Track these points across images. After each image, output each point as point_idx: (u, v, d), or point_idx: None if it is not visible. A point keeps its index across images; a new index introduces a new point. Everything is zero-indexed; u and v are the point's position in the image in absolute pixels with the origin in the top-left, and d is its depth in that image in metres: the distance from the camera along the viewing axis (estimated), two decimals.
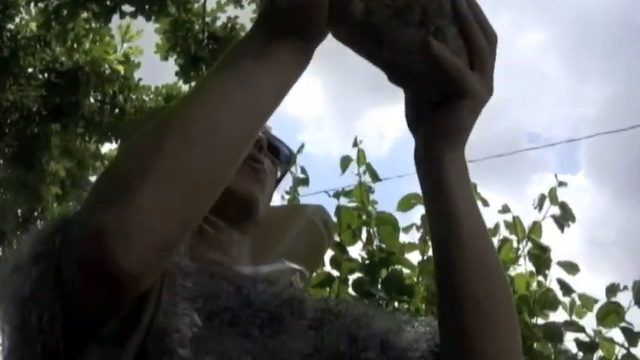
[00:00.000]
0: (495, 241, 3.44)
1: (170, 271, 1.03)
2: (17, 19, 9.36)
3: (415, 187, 3.38)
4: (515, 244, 3.40)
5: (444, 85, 1.10)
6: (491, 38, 1.14)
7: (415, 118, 1.16)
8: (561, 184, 3.53)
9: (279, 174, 1.50)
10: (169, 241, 0.91)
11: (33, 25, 9.51)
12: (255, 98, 1.00)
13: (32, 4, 8.48)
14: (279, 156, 1.48)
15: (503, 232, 3.45)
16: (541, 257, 3.32)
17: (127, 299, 0.95)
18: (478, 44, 1.11)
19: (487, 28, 1.14)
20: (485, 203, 3.52)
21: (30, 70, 9.66)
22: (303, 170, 3.48)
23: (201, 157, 0.94)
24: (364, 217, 3.33)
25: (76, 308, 0.96)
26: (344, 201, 3.35)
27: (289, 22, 1.02)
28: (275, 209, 1.49)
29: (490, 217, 3.56)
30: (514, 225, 3.39)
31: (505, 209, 3.47)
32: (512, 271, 3.33)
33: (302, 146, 3.41)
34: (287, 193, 3.42)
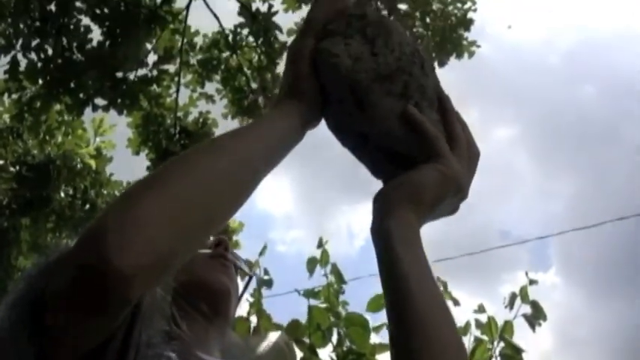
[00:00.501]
0: (466, 340, 3.40)
1: (149, 310, 1.07)
2: None
3: None
4: (488, 345, 3.37)
5: (419, 151, 1.13)
6: (473, 150, 1.18)
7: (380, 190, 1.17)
8: (532, 282, 3.51)
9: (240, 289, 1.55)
10: (161, 250, 0.93)
11: (6, 117, 9.51)
12: (244, 149, 1.06)
13: (6, 95, 8.47)
14: (239, 272, 1.56)
15: (475, 331, 3.43)
16: (514, 358, 3.28)
17: (114, 309, 0.94)
18: (457, 134, 1.16)
19: (471, 140, 1.18)
20: (456, 303, 3.49)
21: (1, 162, 9.63)
22: (267, 272, 3.45)
23: (195, 187, 0.99)
24: (333, 318, 3.30)
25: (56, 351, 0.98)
26: (315, 302, 3.33)
27: (282, 84, 1.17)
28: (242, 338, 1.55)
29: (462, 316, 3.53)
30: (488, 325, 3.36)
31: (480, 309, 3.44)
32: None
33: (264, 248, 3.42)
34: (251, 295, 3.38)
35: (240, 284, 1.56)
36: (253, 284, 3.40)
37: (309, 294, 3.29)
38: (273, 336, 1.54)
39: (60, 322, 0.96)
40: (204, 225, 1.01)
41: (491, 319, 3.36)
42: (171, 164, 1.03)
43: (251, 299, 3.35)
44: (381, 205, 1.13)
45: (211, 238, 1.50)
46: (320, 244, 3.41)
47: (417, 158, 1.13)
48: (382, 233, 1.10)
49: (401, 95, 1.13)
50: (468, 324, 3.41)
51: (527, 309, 3.46)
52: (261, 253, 3.35)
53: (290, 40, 9.05)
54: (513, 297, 3.47)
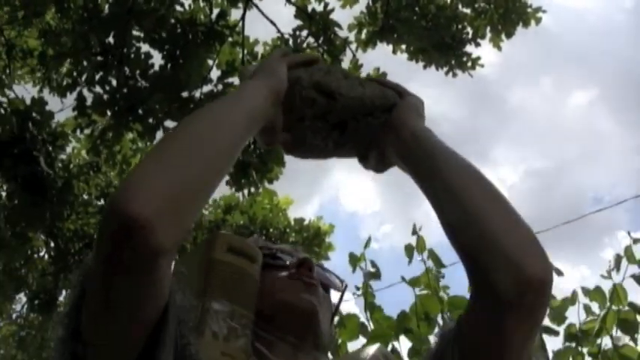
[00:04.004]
0: (575, 310, 3.33)
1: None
2: (68, 149, 9.49)
3: None
4: (598, 311, 3.28)
5: (389, 98, 1.43)
6: None
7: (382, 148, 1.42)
8: (636, 241, 3.41)
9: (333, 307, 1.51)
10: (164, 194, 1.06)
11: (84, 153, 9.66)
12: (226, 116, 1.24)
13: (78, 131, 8.59)
14: (330, 290, 1.51)
15: (583, 299, 3.34)
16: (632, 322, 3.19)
17: (148, 261, 1.03)
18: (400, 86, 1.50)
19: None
20: (560, 273, 3.39)
21: (85, 197, 9.78)
22: (374, 264, 3.40)
23: (186, 148, 1.14)
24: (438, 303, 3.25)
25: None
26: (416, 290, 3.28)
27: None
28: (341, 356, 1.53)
29: (566, 285, 3.45)
30: (600, 292, 3.27)
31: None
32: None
33: (369, 240, 3.38)
34: (358, 288, 3.33)
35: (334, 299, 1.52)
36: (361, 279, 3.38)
37: (414, 282, 3.25)
38: (370, 349, 1.47)
39: (99, 307, 1.06)
40: (196, 171, 1.12)
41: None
42: (167, 134, 1.27)
43: (359, 292, 3.32)
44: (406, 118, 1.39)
45: (294, 259, 1.46)
46: (414, 232, 3.36)
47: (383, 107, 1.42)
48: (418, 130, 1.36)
49: (345, 77, 1.43)
50: (575, 293, 3.33)
51: (633, 270, 3.36)
52: (366, 246, 3.35)
53: (351, 35, 9.03)
54: (618, 259, 3.36)
